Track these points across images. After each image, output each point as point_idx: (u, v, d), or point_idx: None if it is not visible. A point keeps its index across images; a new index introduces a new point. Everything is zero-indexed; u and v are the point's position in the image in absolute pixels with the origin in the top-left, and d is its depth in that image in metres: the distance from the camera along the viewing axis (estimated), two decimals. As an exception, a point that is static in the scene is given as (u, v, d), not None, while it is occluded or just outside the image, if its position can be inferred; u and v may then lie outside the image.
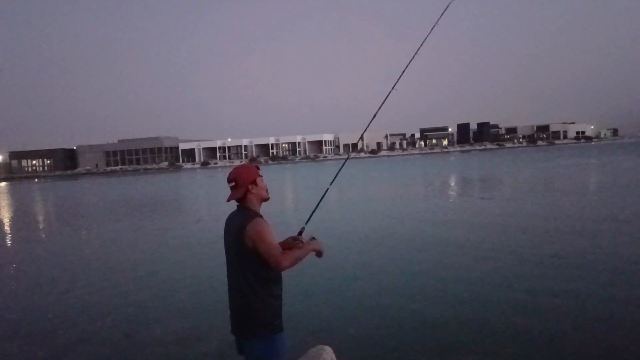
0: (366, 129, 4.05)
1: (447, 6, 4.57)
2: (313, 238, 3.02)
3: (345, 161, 4.04)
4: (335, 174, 3.72)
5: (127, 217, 20.31)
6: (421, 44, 4.26)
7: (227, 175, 2.91)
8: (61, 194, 43.79)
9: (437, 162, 59.71)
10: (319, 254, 2.96)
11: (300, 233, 3.12)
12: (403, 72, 4.11)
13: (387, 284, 7.52)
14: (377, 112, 4.04)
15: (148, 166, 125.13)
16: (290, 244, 3.02)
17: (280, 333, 2.84)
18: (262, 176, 2.95)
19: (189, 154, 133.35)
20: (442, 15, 4.49)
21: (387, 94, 4.10)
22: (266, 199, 2.98)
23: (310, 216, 3.31)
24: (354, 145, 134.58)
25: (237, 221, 2.83)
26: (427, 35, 4.30)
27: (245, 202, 2.88)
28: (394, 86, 4.11)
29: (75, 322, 6.64)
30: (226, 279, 2.92)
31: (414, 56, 4.19)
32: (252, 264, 2.74)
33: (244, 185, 2.86)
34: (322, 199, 3.45)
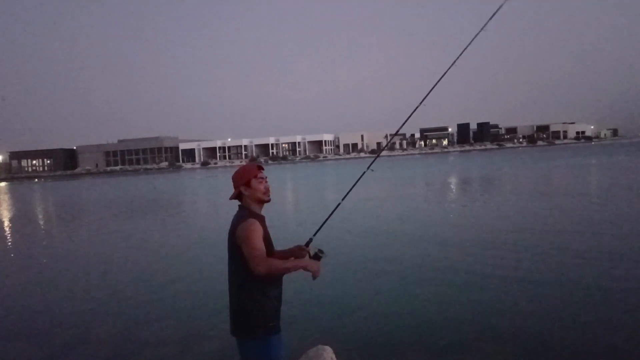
0: (392, 137, 3.95)
1: (497, 10, 4.19)
2: (320, 250, 2.97)
3: (362, 174, 3.72)
4: (350, 188, 3.57)
5: (127, 218, 20.31)
6: (457, 57, 4.04)
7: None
8: (61, 194, 43.79)
9: (437, 162, 59.71)
10: (312, 275, 2.82)
11: (307, 244, 3.09)
12: (432, 88, 3.90)
13: (387, 284, 7.52)
14: (402, 125, 3.97)
15: (148, 166, 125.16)
16: (296, 253, 3.02)
17: (276, 335, 2.81)
18: (261, 178, 2.91)
19: (189, 154, 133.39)
20: (485, 24, 4.13)
21: (412, 110, 3.95)
22: (264, 201, 2.93)
23: (319, 229, 3.27)
24: (354, 146, 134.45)
25: (233, 221, 2.85)
26: (464, 49, 4.04)
27: (243, 202, 2.91)
28: (422, 101, 3.93)
29: (75, 322, 6.63)
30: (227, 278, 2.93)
31: (445, 72, 3.97)
32: (246, 264, 2.72)
33: (236, 187, 2.89)
34: (332, 213, 3.38)
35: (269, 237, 2.88)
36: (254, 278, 2.70)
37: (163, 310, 6.94)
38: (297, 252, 3.02)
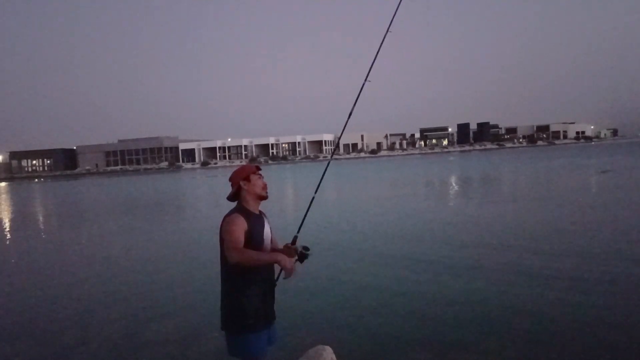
0: (344, 128, 3.85)
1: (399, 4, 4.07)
2: (305, 248, 3.01)
3: (326, 168, 3.80)
4: (319, 182, 3.64)
5: (126, 218, 20.30)
6: (384, 38, 3.96)
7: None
8: (62, 194, 43.78)
9: (435, 163, 59.70)
10: (285, 272, 2.83)
11: (293, 242, 3.13)
12: (372, 65, 3.85)
13: (387, 283, 7.52)
14: (352, 109, 3.81)
15: (148, 166, 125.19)
16: (285, 252, 3.06)
17: (254, 334, 2.86)
18: (260, 175, 3.05)
19: (189, 154, 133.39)
20: (396, 12, 4.05)
21: (360, 89, 3.87)
22: (262, 197, 3.03)
23: (301, 225, 3.31)
24: (354, 146, 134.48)
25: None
26: (387, 31, 3.96)
27: (239, 199, 3.01)
28: (366, 78, 3.86)
29: (75, 323, 6.63)
30: None
31: (379, 48, 3.91)
32: (225, 257, 2.85)
33: (236, 183, 3.01)
34: (309, 207, 3.44)
35: (260, 233, 2.92)
36: (230, 268, 2.81)
37: (163, 310, 6.94)
38: (286, 251, 3.06)
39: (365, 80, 3.88)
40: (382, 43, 3.94)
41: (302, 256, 3.01)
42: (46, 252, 12.74)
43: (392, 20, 3.99)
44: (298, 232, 3.25)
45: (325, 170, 3.80)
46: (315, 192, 3.50)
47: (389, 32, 3.99)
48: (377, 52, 3.92)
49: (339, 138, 4.21)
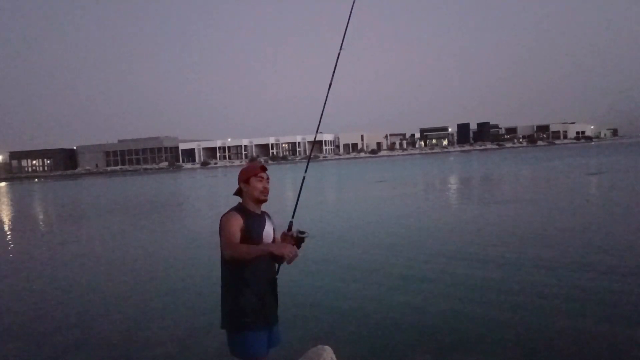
0: (318, 129, 3.80)
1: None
2: (301, 231, 3.02)
3: (310, 153, 4.27)
4: (308, 159, 4.03)
5: (126, 218, 20.30)
6: (342, 40, 3.86)
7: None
8: (62, 194, 43.78)
9: (434, 163, 59.68)
10: (278, 259, 2.87)
11: (289, 228, 3.13)
12: (334, 70, 3.80)
13: (386, 283, 7.52)
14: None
15: (148, 166, 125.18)
16: (282, 239, 3.10)
17: (252, 332, 2.86)
18: (262, 177, 3.02)
19: (189, 154, 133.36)
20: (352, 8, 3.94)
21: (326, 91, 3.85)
22: (259, 200, 3.02)
23: (295, 209, 3.30)
24: (354, 146, 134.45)
25: None
26: (346, 30, 3.86)
27: (242, 198, 3.06)
28: (330, 83, 3.81)
29: (75, 323, 6.63)
30: None
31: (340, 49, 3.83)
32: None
33: (238, 184, 3.07)
34: (301, 188, 3.47)
35: (258, 232, 2.92)
36: (228, 266, 2.84)
37: (163, 310, 6.94)
38: (284, 239, 3.07)
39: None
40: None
41: (299, 240, 3.00)
42: (45, 252, 12.73)
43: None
44: (292, 217, 3.22)
45: (310, 153, 4.21)
46: (305, 172, 3.51)
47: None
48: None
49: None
